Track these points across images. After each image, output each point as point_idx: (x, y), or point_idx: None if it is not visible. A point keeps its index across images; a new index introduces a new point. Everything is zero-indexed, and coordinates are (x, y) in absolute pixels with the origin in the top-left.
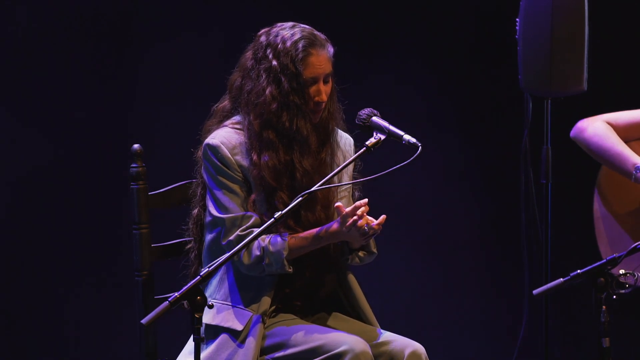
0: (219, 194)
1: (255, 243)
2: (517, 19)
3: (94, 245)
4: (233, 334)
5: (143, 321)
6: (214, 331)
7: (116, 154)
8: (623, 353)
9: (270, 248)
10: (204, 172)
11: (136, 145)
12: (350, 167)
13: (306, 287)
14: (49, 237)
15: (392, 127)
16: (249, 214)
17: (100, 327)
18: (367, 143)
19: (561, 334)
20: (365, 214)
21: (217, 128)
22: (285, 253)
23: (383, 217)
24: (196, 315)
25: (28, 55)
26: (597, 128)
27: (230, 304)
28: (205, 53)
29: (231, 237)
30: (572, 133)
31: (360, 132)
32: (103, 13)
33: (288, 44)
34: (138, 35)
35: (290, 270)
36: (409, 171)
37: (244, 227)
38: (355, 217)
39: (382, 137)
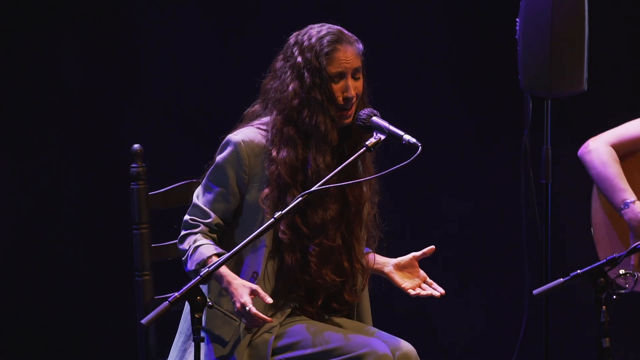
0: (209, 185)
1: (191, 238)
2: (517, 19)
3: (94, 245)
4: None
5: (143, 321)
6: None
7: (116, 154)
8: (623, 353)
9: (196, 254)
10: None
11: (136, 145)
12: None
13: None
14: (49, 237)
15: (392, 127)
16: (210, 220)
17: (100, 327)
18: (367, 143)
19: (561, 334)
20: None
21: (244, 127)
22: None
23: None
24: (196, 316)
25: (27, 54)
26: (600, 155)
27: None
28: (206, 53)
29: (187, 218)
30: (579, 152)
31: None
32: (103, 11)
33: (314, 40)
34: (138, 34)
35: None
36: (408, 171)
37: (197, 224)
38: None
39: (382, 137)
